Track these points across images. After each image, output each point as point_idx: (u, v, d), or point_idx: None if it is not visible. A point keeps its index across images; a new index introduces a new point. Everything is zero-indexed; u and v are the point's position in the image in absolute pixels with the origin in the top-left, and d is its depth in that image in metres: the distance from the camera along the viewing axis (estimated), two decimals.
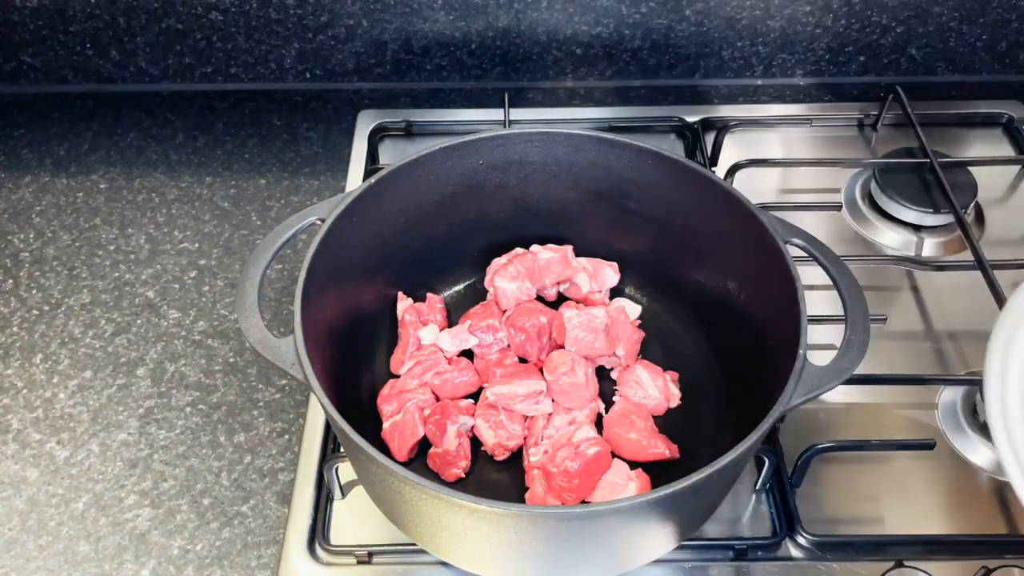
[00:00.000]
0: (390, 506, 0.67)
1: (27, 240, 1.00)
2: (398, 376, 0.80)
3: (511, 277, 0.83)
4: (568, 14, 1.13)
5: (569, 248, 0.87)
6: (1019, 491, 0.59)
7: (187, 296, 0.94)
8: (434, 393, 0.78)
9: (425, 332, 0.80)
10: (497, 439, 0.74)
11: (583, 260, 0.86)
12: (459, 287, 0.90)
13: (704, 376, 0.82)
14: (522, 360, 0.81)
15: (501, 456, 0.75)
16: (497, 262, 0.86)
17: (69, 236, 1.01)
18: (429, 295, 0.86)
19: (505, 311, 0.83)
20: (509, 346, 0.81)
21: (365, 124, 1.11)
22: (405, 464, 0.74)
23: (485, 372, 0.80)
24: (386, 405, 0.77)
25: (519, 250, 0.87)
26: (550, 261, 0.85)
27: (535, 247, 0.87)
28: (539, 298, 0.86)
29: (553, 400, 0.76)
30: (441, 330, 0.82)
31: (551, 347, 0.81)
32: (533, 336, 0.80)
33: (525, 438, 0.75)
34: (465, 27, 1.13)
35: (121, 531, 0.76)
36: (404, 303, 0.84)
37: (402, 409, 0.75)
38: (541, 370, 0.78)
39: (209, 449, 0.82)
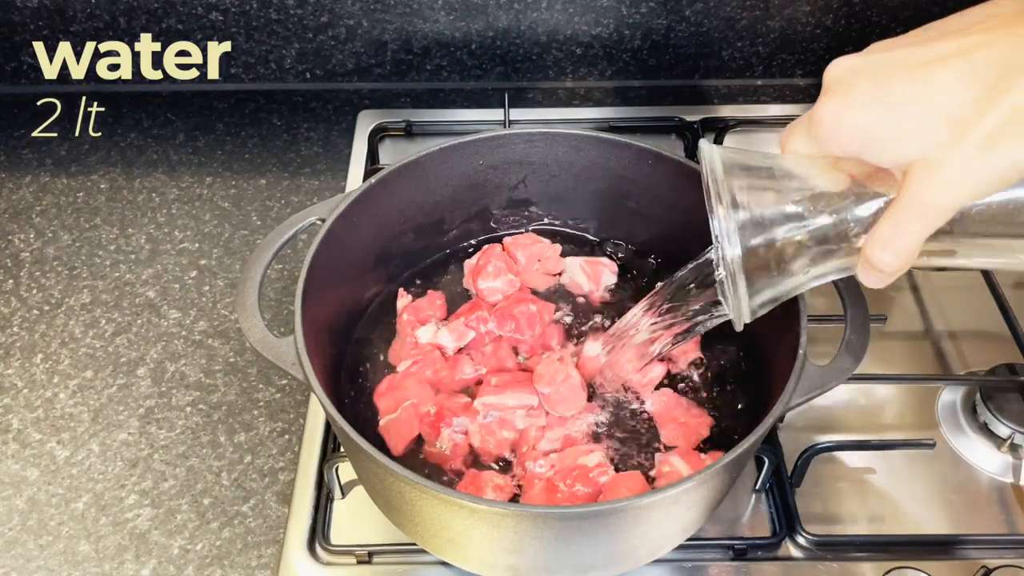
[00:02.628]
0: (390, 506, 0.67)
1: (27, 240, 1.00)
2: (395, 369, 0.79)
3: (492, 276, 0.83)
4: (568, 14, 1.13)
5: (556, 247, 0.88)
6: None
7: (187, 296, 0.95)
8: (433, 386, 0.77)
9: (423, 331, 0.80)
10: (484, 444, 0.73)
11: (580, 259, 0.86)
12: (459, 287, 0.90)
13: (704, 376, 0.82)
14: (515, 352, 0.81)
15: (490, 461, 0.74)
16: (469, 264, 0.86)
17: (69, 236, 1.01)
18: (430, 292, 0.85)
19: (495, 304, 0.83)
20: (500, 337, 0.81)
21: (365, 124, 1.11)
22: (403, 456, 0.74)
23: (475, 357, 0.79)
24: (382, 401, 0.77)
25: (488, 246, 0.87)
26: (526, 244, 0.86)
27: (507, 239, 0.88)
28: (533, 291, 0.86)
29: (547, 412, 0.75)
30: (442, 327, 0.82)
31: (543, 338, 0.80)
32: (523, 324, 0.80)
33: (516, 443, 0.74)
34: (465, 27, 1.13)
35: (121, 531, 0.76)
36: (404, 300, 0.84)
37: (398, 407, 0.74)
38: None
39: (209, 449, 0.82)
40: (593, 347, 0.78)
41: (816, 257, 0.52)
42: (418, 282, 0.86)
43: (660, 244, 0.87)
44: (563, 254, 0.88)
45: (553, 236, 0.89)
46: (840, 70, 0.50)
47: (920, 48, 0.48)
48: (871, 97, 0.48)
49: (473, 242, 0.89)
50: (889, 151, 0.48)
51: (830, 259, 0.52)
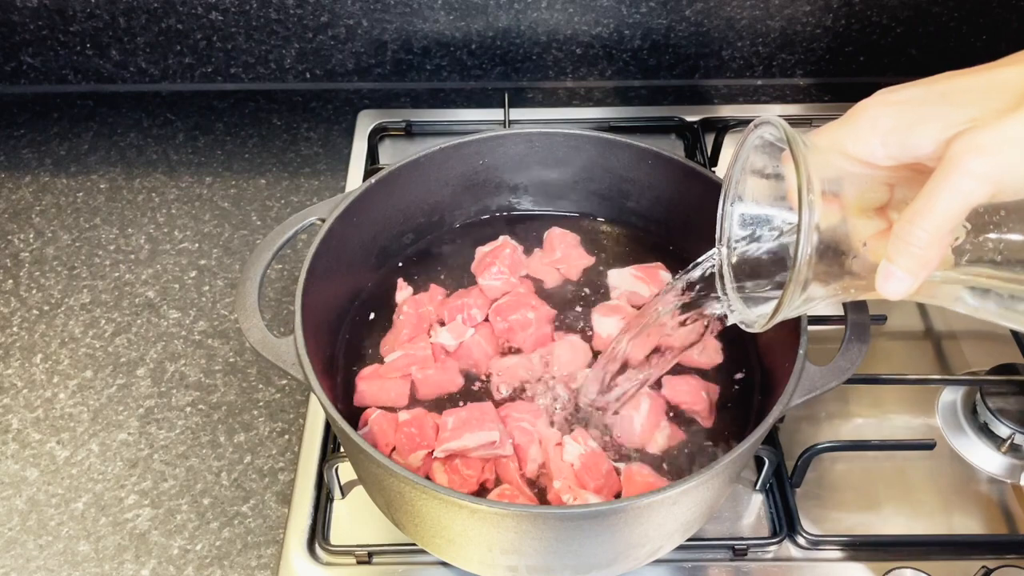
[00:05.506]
0: (390, 506, 0.67)
1: (27, 240, 1.00)
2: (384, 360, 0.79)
3: (495, 276, 0.83)
4: (568, 14, 1.13)
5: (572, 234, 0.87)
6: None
7: (187, 296, 0.95)
8: (413, 387, 0.77)
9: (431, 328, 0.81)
10: (451, 484, 0.70)
11: (627, 269, 0.84)
12: (460, 286, 0.90)
13: (704, 376, 0.82)
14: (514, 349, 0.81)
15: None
16: (481, 251, 0.86)
17: (69, 236, 1.01)
18: (432, 286, 0.85)
19: (495, 300, 0.82)
20: (487, 319, 0.81)
21: (365, 124, 1.11)
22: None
23: (468, 358, 0.79)
24: (362, 383, 0.76)
25: (502, 240, 0.86)
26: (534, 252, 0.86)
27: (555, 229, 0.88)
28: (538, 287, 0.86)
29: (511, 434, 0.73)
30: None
31: (539, 339, 0.80)
32: (516, 329, 0.79)
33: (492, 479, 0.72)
34: (465, 27, 1.13)
35: (121, 531, 0.76)
36: (404, 292, 0.83)
37: (367, 422, 0.73)
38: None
39: (209, 449, 0.82)
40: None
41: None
42: (419, 282, 0.86)
43: (660, 244, 0.87)
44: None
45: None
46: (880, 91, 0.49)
47: (969, 71, 0.47)
48: (921, 86, 0.47)
49: (474, 243, 0.89)
50: (933, 123, 0.46)
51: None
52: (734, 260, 0.59)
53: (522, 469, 0.71)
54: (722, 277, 0.60)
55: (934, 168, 0.45)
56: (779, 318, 0.51)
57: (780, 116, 0.52)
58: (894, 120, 0.48)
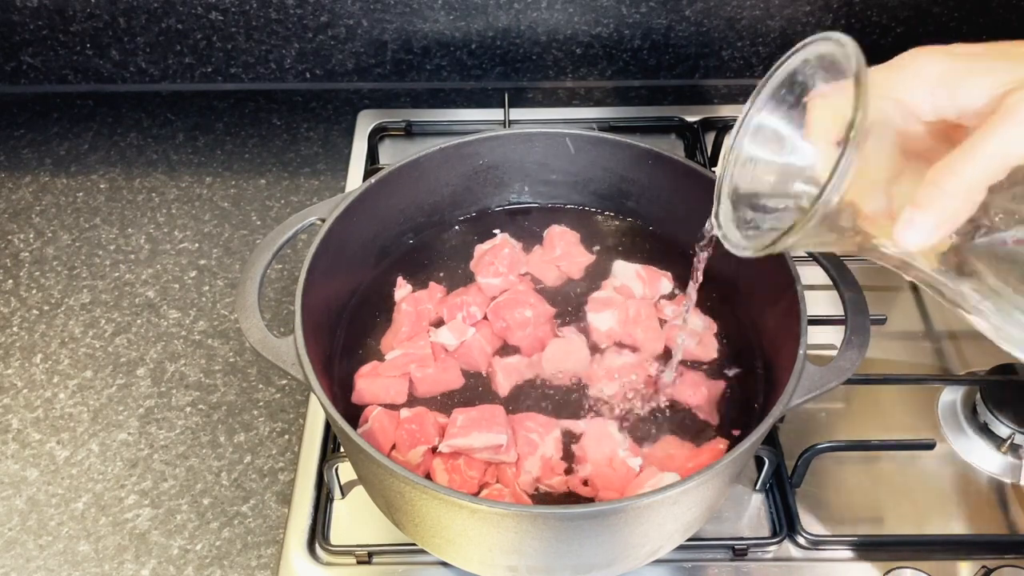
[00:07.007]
0: (390, 506, 0.67)
1: (27, 240, 1.00)
2: (384, 358, 0.79)
3: (492, 275, 0.83)
4: (568, 14, 1.13)
5: (568, 231, 0.87)
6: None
7: (187, 296, 0.95)
8: (412, 386, 0.76)
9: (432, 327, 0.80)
10: (451, 483, 0.69)
11: (636, 266, 0.84)
12: (459, 284, 0.90)
13: (703, 376, 0.82)
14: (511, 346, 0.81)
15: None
16: (480, 249, 0.86)
17: (69, 236, 1.01)
18: (432, 284, 0.84)
19: (493, 298, 0.82)
20: (486, 317, 0.81)
21: (365, 124, 1.11)
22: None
23: (467, 357, 0.79)
24: (360, 381, 0.75)
25: (501, 238, 0.86)
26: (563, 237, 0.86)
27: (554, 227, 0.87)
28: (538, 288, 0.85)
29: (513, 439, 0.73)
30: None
31: (537, 337, 0.80)
32: (514, 327, 0.79)
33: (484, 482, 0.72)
34: (465, 27, 1.13)
35: (121, 531, 0.76)
36: (403, 290, 0.83)
37: (369, 417, 0.72)
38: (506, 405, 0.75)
39: (209, 449, 0.82)
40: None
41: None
42: (419, 282, 0.86)
43: (660, 244, 0.87)
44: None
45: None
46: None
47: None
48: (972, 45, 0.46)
49: (474, 243, 0.89)
50: (987, 76, 0.44)
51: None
52: (739, 187, 0.57)
53: (517, 478, 0.71)
54: (719, 194, 0.57)
55: (970, 132, 0.44)
56: (780, 247, 0.49)
57: None
58: (945, 69, 0.46)
